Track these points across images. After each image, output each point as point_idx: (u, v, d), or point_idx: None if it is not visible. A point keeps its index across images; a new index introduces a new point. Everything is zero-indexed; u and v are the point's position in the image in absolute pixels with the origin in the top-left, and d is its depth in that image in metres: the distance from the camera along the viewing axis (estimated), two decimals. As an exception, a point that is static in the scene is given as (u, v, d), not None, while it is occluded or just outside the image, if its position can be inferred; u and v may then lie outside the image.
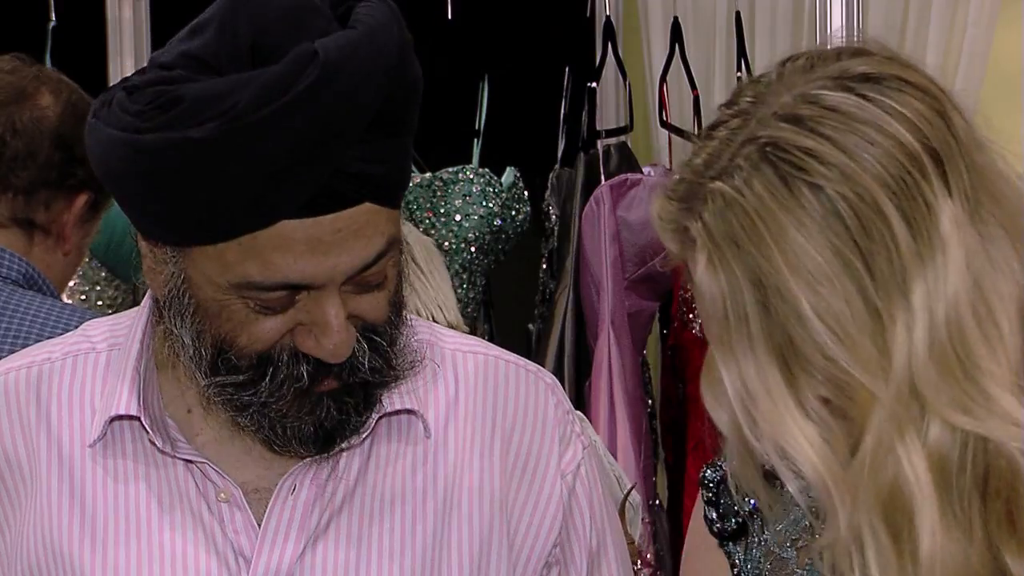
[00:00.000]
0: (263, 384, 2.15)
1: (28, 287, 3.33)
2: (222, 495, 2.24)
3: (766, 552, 2.17)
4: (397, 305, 2.21)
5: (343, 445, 2.22)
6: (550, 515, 2.36)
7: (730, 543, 2.19)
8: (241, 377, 2.15)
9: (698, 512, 2.22)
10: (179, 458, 2.26)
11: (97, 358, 2.32)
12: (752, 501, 2.15)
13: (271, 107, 2.08)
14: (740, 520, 2.18)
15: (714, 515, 2.20)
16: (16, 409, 2.30)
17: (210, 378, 2.17)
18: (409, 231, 3.34)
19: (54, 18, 4.50)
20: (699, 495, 2.22)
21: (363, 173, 2.13)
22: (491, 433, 2.35)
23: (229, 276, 2.12)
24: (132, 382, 2.24)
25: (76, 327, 3.16)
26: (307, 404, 2.16)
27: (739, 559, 2.18)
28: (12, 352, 3.07)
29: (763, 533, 2.17)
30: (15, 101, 3.37)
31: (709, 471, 2.20)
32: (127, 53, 4.76)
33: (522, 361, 2.43)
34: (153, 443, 2.25)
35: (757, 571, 2.17)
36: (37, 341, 3.13)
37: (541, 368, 2.43)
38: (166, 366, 2.26)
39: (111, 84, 4.81)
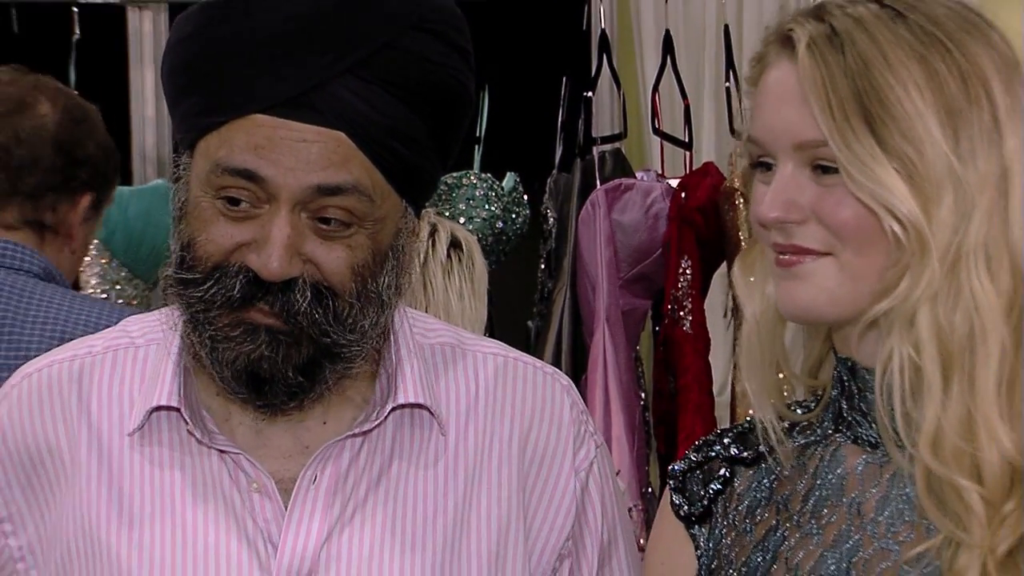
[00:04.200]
0: (207, 285, 2.15)
1: (47, 281, 3.34)
2: (254, 484, 2.24)
3: (728, 528, 2.18)
4: (364, 286, 2.20)
5: (286, 400, 2.22)
6: (564, 510, 2.36)
7: (696, 526, 2.19)
8: (194, 276, 2.17)
9: (665, 503, 2.22)
10: (214, 448, 2.26)
11: (136, 352, 2.33)
12: (717, 484, 2.18)
13: None
14: (705, 504, 2.19)
15: (681, 501, 2.21)
16: (59, 400, 2.31)
17: (175, 273, 2.19)
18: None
19: (78, 31, 4.48)
20: (667, 487, 2.23)
21: (349, 104, 2.15)
22: (509, 431, 2.36)
23: (207, 164, 2.16)
24: (173, 375, 2.26)
25: (95, 316, 3.19)
26: (242, 328, 2.17)
27: (702, 541, 2.19)
28: (42, 338, 3.10)
29: (725, 515, 2.18)
30: (16, 111, 3.38)
31: (677, 465, 2.23)
32: (147, 64, 4.76)
33: (539, 363, 2.43)
34: (191, 433, 2.26)
35: (717, 547, 2.17)
36: (63, 328, 3.18)
37: (557, 370, 2.44)
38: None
39: (132, 93, 4.83)
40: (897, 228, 1.99)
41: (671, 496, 2.21)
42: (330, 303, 2.20)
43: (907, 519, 2.07)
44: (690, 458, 2.23)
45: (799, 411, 2.18)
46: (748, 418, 2.23)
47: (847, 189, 2.00)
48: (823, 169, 2.01)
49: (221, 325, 2.18)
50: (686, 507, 2.20)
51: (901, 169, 1.98)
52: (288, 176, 2.16)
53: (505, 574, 2.33)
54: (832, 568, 2.07)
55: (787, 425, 2.15)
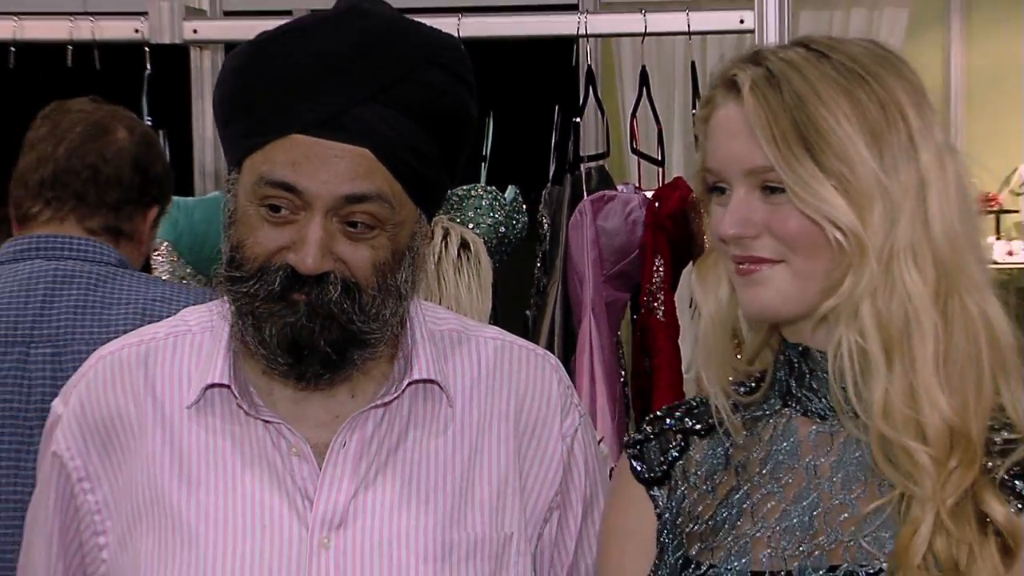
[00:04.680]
0: (252, 282, 2.17)
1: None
2: (293, 449, 2.26)
3: (689, 489, 2.17)
4: (384, 281, 2.21)
5: (320, 372, 2.23)
6: (553, 469, 2.37)
7: (655, 488, 2.19)
8: (241, 274, 2.18)
9: (623, 469, 2.21)
10: (259, 419, 2.28)
11: (193, 338, 2.34)
12: (675, 452, 2.18)
13: (290, 26, 2.22)
14: (664, 469, 2.19)
15: (640, 466, 2.20)
16: (129, 378, 2.32)
17: (226, 272, 2.21)
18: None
19: (149, 68, 4.47)
20: (622, 455, 2.22)
21: (372, 126, 2.16)
22: (506, 402, 2.37)
23: (252, 178, 2.17)
24: (224, 358, 2.27)
25: (168, 293, 3.21)
26: (283, 305, 2.17)
27: (662, 501, 2.19)
28: (127, 315, 3.11)
29: (685, 479, 2.17)
30: (100, 136, 3.41)
31: (633, 436, 2.23)
32: (206, 95, 4.76)
33: (531, 345, 2.46)
34: (240, 406, 2.28)
35: (680, 507, 2.16)
36: (145, 304, 3.22)
37: (548, 352, 2.50)
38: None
39: (193, 119, 4.83)
40: (839, 236, 2.00)
41: (631, 462, 2.22)
42: (356, 296, 2.21)
43: (860, 479, 2.07)
44: (645, 430, 2.25)
45: (741, 390, 2.19)
46: (694, 397, 2.22)
47: (793, 206, 2.02)
48: (771, 190, 2.03)
49: (266, 308, 2.20)
50: (646, 472, 2.19)
51: (838, 185, 2.00)
52: (321, 187, 2.18)
53: (504, 523, 2.33)
54: (795, 520, 2.07)
55: (732, 403, 2.16)
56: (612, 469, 2.44)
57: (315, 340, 2.20)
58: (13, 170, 3.46)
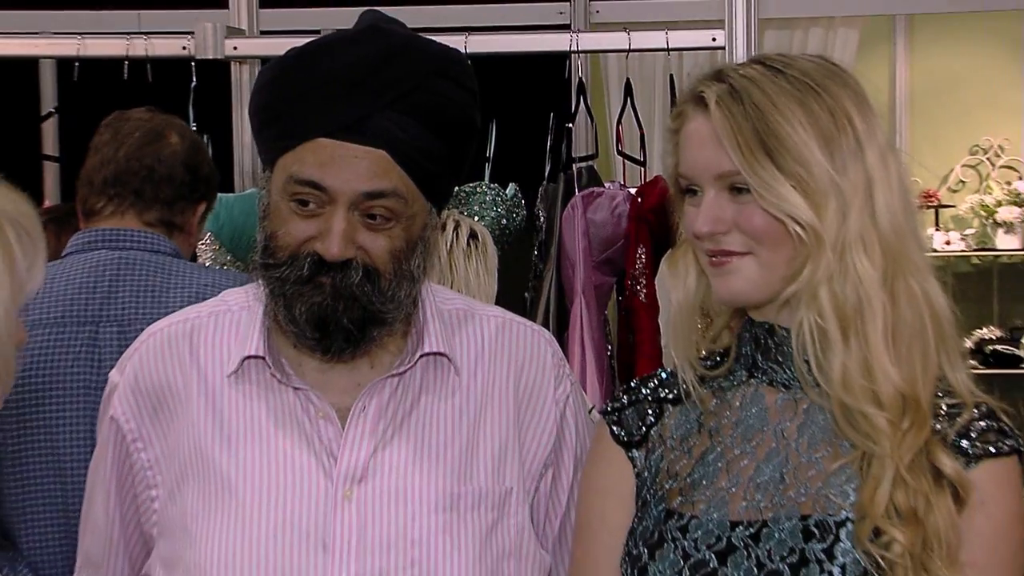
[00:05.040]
0: (283, 268, 2.18)
1: (177, 258, 3.38)
2: (320, 413, 2.26)
3: (666, 450, 2.17)
4: (400, 266, 2.21)
5: (343, 346, 2.23)
6: (548, 430, 2.37)
7: (634, 450, 2.18)
8: (275, 261, 2.19)
9: (603, 434, 2.21)
10: (290, 386, 2.28)
11: (232, 316, 2.34)
12: (651, 418, 2.18)
13: (317, 43, 2.23)
14: (643, 432, 2.19)
15: (619, 431, 2.20)
16: (176, 351, 2.32)
17: (260, 259, 2.22)
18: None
19: (195, 80, 4.46)
20: (601, 423, 2.22)
21: (389, 131, 2.16)
22: (506, 372, 2.37)
23: (284, 176, 2.17)
24: (260, 333, 2.27)
25: (217, 279, 3.24)
26: (311, 287, 2.17)
27: (639, 462, 2.18)
28: (183, 298, 3.15)
29: (662, 442, 2.17)
30: (156, 140, 3.43)
31: (611, 404, 2.22)
32: (245, 105, 4.75)
33: (528, 322, 2.47)
34: (273, 375, 2.28)
35: (658, 467, 2.16)
36: (198, 289, 3.25)
37: (543, 328, 2.50)
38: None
39: (233, 126, 4.82)
40: (799, 230, 2.01)
41: (611, 428, 2.21)
42: (375, 280, 2.23)
43: (824, 440, 2.07)
44: (621, 399, 2.25)
45: (708, 363, 2.20)
46: (664, 369, 2.22)
47: (758, 204, 2.02)
48: (738, 190, 2.03)
49: (296, 290, 2.20)
50: (625, 436, 2.19)
51: (796, 185, 2.00)
52: (344, 185, 2.18)
53: (505, 478, 2.33)
54: (767, 476, 2.07)
55: (699, 376, 2.17)
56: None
57: (339, 318, 2.20)
58: (80, 170, 3.47)
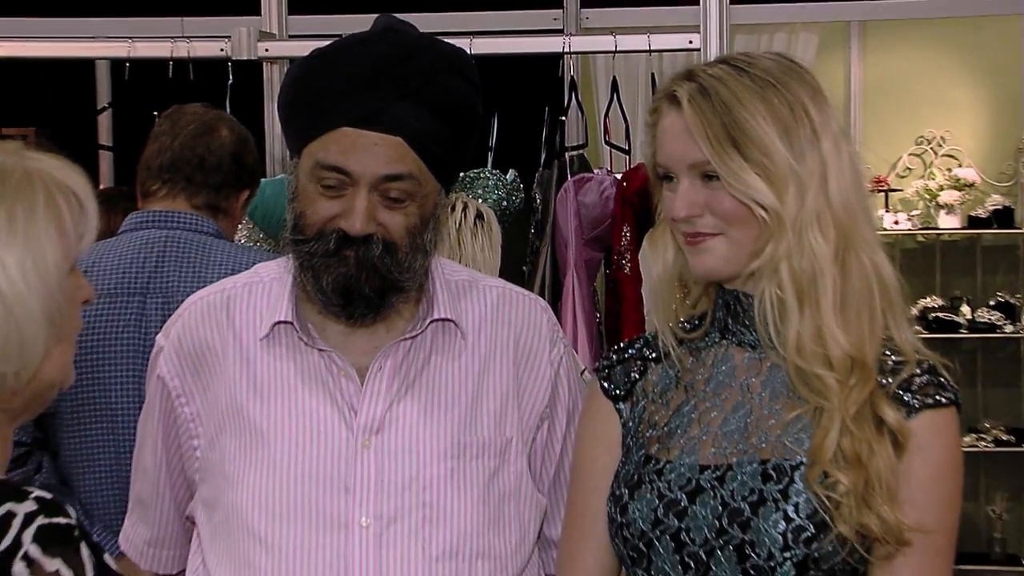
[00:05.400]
0: (311, 243, 2.17)
1: (219, 238, 3.38)
2: (342, 372, 2.25)
3: (647, 403, 2.17)
4: (414, 240, 2.20)
5: (365, 312, 2.23)
6: (543, 388, 2.37)
7: (620, 403, 2.18)
8: (304, 237, 2.18)
9: (594, 389, 2.20)
10: (316, 348, 2.27)
11: (264, 286, 2.33)
12: (636, 375, 2.18)
13: (338, 44, 2.22)
14: (628, 388, 2.18)
15: (608, 385, 2.20)
16: (214, 317, 2.31)
17: (291, 236, 2.21)
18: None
19: (231, 79, 4.44)
20: (593, 379, 2.22)
21: (404, 120, 2.15)
22: (507, 336, 2.36)
23: (311, 162, 2.16)
24: (289, 301, 2.26)
25: (251, 257, 3.25)
26: (336, 260, 2.17)
27: (625, 414, 2.17)
28: (221, 274, 3.16)
29: (644, 395, 2.17)
30: (207, 133, 3.45)
31: (601, 363, 2.21)
32: (275, 100, 4.73)
33: (526, 292, 2.47)
34: (301, 338, 2.27)
35: (640, 417, 2.15)
36: (233, 266, 3.27)
37: (540, 297, 2.49)
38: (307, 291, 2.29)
39: (265, 119, 4.79)
40: (763, 213, 2.01)
41: (601, 383, 2.21)
42: (394, 252, 2.21)
43: (783, 394, 2.07)
44: (611, 358, 2.25)
45: (687, 327, 2.19)
46: (648, 333, 2.21)
47: (727, 191, 2.02)
48: (708, 178, 2.02)
49: (323, 263, 2.19)
50: (613, 390, 2.19)
51: (760, 173, 2.00)
52: (365, 169, 2.18)
53: (506, 429, 2.32)
54: (733, 426, 2.07)
55: (678, 338, 2.17)
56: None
57: (362, 287, 2.20)
58: (136, 157, 3.48)
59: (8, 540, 1.43)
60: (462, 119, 2.23)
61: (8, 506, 1.45)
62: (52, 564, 1.42)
